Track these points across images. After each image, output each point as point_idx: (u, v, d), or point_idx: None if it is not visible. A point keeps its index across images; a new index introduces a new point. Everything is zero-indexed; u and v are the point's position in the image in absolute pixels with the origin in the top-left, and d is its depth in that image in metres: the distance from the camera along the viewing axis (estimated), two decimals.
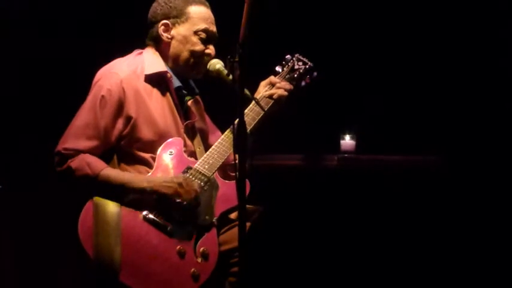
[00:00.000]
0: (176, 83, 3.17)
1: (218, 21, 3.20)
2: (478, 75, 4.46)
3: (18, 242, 4.19)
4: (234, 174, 2.87)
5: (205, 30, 3.14)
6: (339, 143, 4.22)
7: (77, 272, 3.85)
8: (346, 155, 4.16)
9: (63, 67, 4.15)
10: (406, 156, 4.19)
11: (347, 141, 4.22)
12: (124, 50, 3.24)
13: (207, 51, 3.15)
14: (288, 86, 3.28)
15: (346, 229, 4.08)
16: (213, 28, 3.18)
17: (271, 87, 3.27)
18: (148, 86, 3.11)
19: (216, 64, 3.12)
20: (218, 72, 3.11)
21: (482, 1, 4.41)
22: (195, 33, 3.14)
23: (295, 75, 3.35)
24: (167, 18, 3.14)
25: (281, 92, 3.24)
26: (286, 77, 3.33)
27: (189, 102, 3.23)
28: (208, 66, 3.14)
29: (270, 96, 3.24)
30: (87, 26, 4.20)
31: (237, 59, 2.63)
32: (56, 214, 4.03)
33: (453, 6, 4.44)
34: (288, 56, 3.40)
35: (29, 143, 4.10)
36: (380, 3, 4.52)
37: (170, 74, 3.15)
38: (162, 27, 3.15)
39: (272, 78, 3.30)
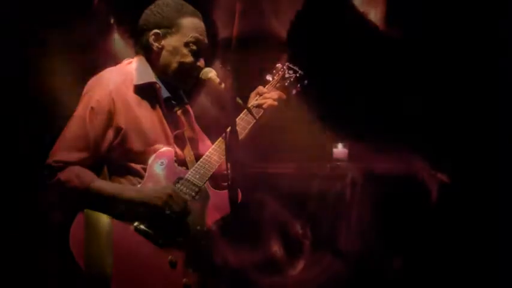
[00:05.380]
0: (165, 93, 3.15)
1: (210, 29, 3.18)
2: (469, 83, 4.46)
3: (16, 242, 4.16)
4: (225, 183, 2.86)
5: (195, 42, 3.11)
6: (332, 151, 4.23)
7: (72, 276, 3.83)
8: (338, 163, 4.16)
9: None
10: (398, 164, 4.20)
11: (339, 149, 4.22)
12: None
13: (197, 63, 3.13)
14: (276, 95, 3.25)
15: (339, 235, 4.08)
16: (204, 39, 3.15)
17: (260, 97, 3.25)
18: (138, 97, 3.09)
19: (209, 73, 3.10)
20: (210, 81, 3.09)
21: (482, 1, 4.40)
22: (186, 44, 3.11)
23: (286, 84, 3.34)
24: (158, 27, 3.12)
25: (270, 102, 3.22)
26: (277, 85, 3.31)
27: (179, 112, 3.21)
28: (200, 75, 3.12)
29: (260, 106, 3.21)
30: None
31: (229, 68, 2.63)
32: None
33: (447, 9, 4.44)
34: (278, 65, 3.37)
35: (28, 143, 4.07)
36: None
37: (159, 84, 3.13)
38: (153, 36, 3.13)
39: (260, 88, 3.28)
